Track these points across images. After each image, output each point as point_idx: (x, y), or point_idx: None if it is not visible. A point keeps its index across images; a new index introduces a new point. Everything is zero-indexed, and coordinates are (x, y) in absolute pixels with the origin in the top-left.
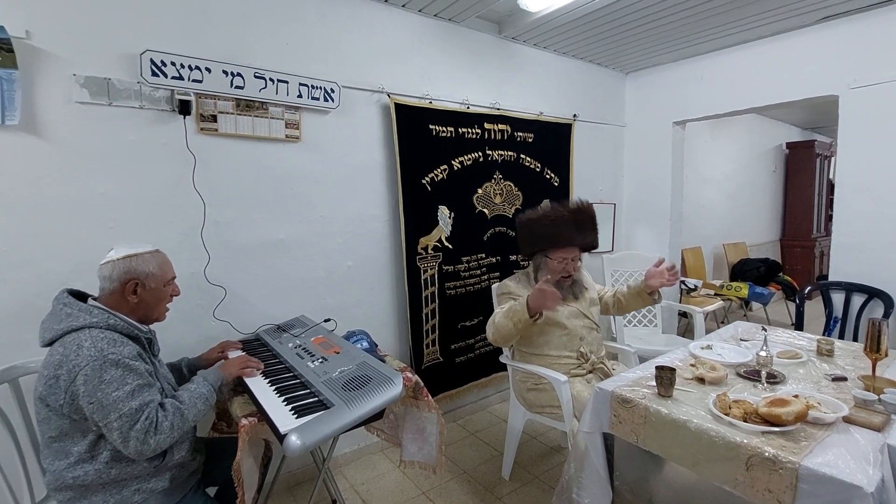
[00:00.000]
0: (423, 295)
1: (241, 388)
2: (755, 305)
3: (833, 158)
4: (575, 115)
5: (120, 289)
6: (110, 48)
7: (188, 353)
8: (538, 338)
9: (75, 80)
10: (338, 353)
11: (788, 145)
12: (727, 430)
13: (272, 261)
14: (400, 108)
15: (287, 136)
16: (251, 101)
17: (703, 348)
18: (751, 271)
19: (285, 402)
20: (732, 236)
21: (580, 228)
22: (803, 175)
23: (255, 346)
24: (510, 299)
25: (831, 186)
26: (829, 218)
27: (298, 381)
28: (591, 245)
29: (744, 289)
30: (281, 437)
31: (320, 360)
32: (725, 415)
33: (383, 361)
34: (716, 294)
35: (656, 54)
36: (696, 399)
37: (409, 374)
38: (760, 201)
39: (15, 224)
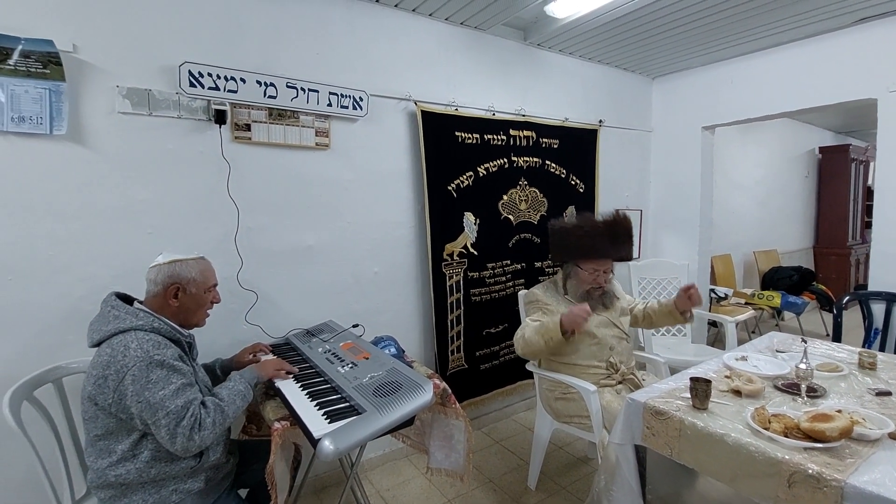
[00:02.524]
0: (449, 301)
1: (272, 391)
2: (787, 315)
3: (871, 163)
4: (601, 121)
5: (163, 292)
6: (151, 60)
7: (221, 355)
8: (567, 346)
9: (118, 92)
10: (367, 358)
11: (822, 150)
12: (767, 446)
13: (301, 266)
14: (426, 115)
15: (317, 144)
16: (283, 110)
17: (737, 359)
18: (783, 280)
19: (317, 407)
20: (763, 243)
21: (615, 241)
22: (838, 180)
23: (284, 351)
24: (537, 309)
25: (868, 192)
26: (867, 225)
27: (329, 385)
28: (624, 258)
29: (776, 298)
30: (314, 442)
31: (350, 366)
32: (765, 429)
33: (411, 367)
34: (746, 303)
35: (685, 58)
36: (733, 412)
37: (437, 381)
38: (792, 208)
39: (60, 229)
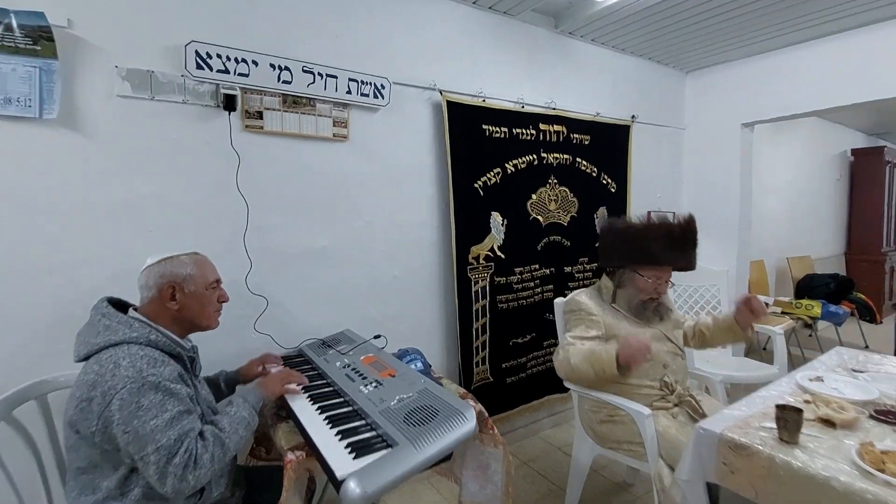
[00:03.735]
0: (474, 308)
1: (284, 411)
2: (821, 325)
3: None
4: (633, 117)
5: (158, 296)
6: (154, 39)
7: (226, 367)
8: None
9: (117, 73)
10: (393, 376)
11: (854, 152)
12: (884, 492)
13: (315, 269)
14: (452, 106)
15: (335, 136)
16: (299, 96)
17: (812, 380)
18: (819, 288)
19: (339, 436)
20: (795, 249)
21: (683, 247)
22: (872, 184)
23: (298, 364)
24: (580, 321)
25: None
26: None
27: (351, 408)
28: (688, 267)
29: (816, 307)
30: (337, 483)
31: (374, 384)
32: (879, 471)
33: (441, 385)
34: (783, 312)
35: (723, 50)
36: (831, 447)
37: (473, 402)
38: (824, 212)
39: (50, 225)
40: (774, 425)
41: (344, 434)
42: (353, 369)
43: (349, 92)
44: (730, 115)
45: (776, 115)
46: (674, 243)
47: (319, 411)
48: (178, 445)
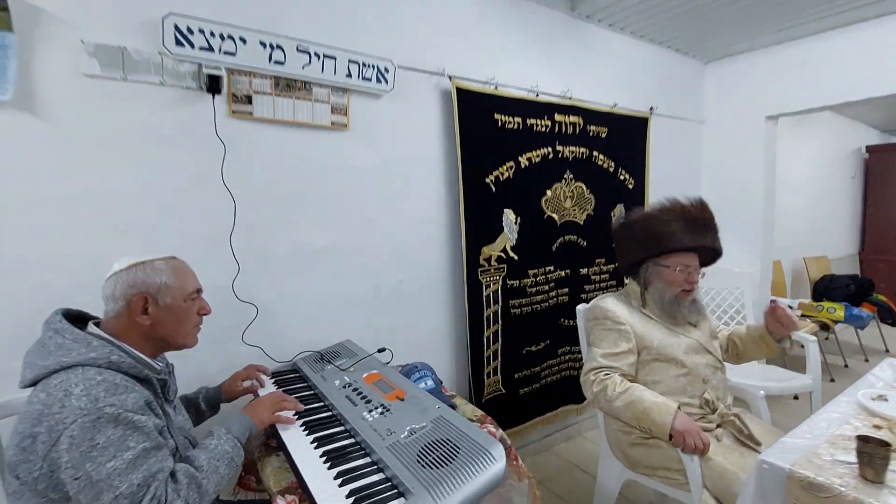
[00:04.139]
0: (485, 315)
1: (274, 440)
2: (838, 328)
3: None
4: (651, 109)
5: (127, 309)
6: (127, 10)
7: (209, 383)
8: (646, 376)
9: (83, 49)
10: (401, 399)
11: (869, 149)
12: None
13: (312, 273)
14: (462, 93)
15: (333, 124)
16: (293, 79)
17: (874, 399)
18: (839, 290)
19: (338, 479)
20: (812, 249)
21: (703, 227)
22: (887, 181)
23: (291, 380)
24: (609, 331)
25: None
26: None
27: (354, 441)
28: (714, 250)
29: (839, 310)
30: None
31: (380, 410)
32: None
33: (454, 407)
34: (804, 315)
35: (748, 38)
36: None
37: (493, 429)
38: (839, 210)
39: (5, 224)
40: (851, 459)
41: (345, 477)
42: (354, 390)
43: (349, 75)
44: (753, 108)
45: (804, 106)
46: (693, 223)
47: (315, 444)
48: (142, 492)
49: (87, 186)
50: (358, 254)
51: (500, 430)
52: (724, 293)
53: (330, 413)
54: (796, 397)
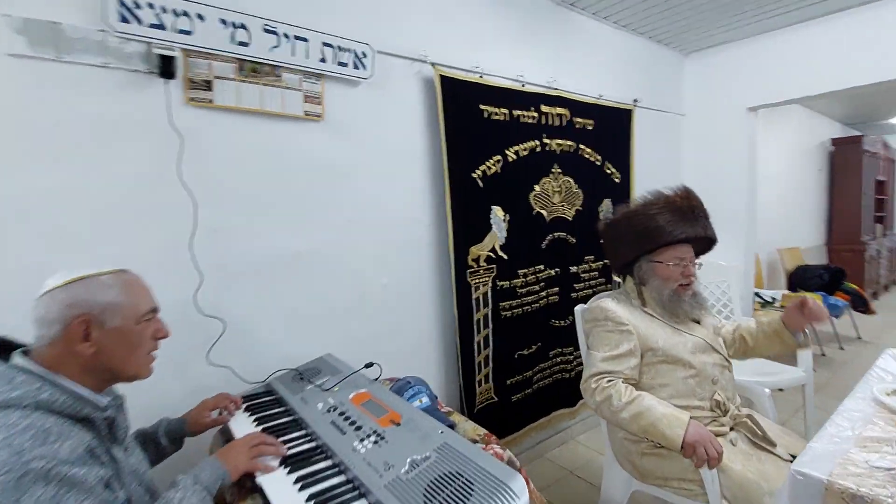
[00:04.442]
0: (475, 319)
1: (249, 479)
2: None
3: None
4: (635, 101)
5: (64, 334)
6: None
7: (172, 413)
8: (652, 380)
9: (8, 24)
10: (397, 423)
11: (834, 141)
12: None
13: (286, 282)
14: (446, 81)
15: (306, 114)
16: (259, 63)
17: (889, 394)
18: (813, 280)
19: None
20: (785, 240)
21: (692, 216)
22: (851, 173)
23: (265, 405)
24: (610, 332)
25: (879, 186)
26: (877, 220)
27: (345, 479)
28: (707, 239)
29: (817, 300)
30: None
31: (373, 439)
32: None
33: (453, 428)
34: (782, 306)
35: (728, 29)
36: None
37: (500, 450)
38: (808, 202)
39: None
40: (888, 465)
41: None
42: (341, 414)
43: (323, 60)
44: (734, 100)
45: (786, 97)
46: (680, 213)
47: (299, 485)
48: None
49: (15, 187)
50: (337, 258)
51: (508, 452)
52: (712, 287)
53: (314, 444)
54: (781, 389)
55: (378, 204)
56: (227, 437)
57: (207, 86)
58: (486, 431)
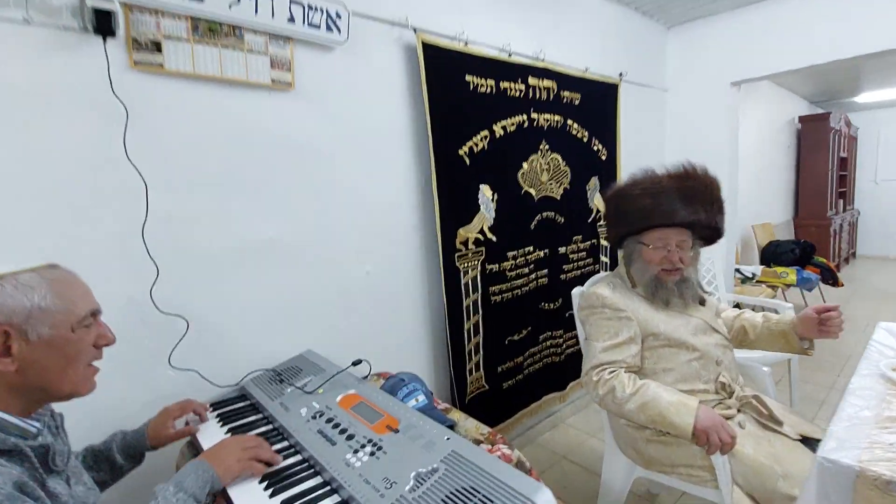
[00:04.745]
0: (464, 305)
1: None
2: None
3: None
4: (621, 75)
5: None
6: None
7: (130, 424)
8: (655, 365)
9: None
10: (394, 430)
11: (802, 119)
12: None
13: (257, 272)
14: (429, 50)
15: (274, 82)
16: (217, 21)
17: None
18: (785, 255)
19: None
20: (758, 217)
21: (689, 199)
22: (817, 150)
23: (239, 412)
24: (608, 320)
25: (841, 162)
26: (839, 195)
27: (339, 500)
28: (705, 224)
29: (791, 274)
30: None
31: (369, 450)
32: None
33: (453, 427)
34: (758, 281)
35: (712, 0)
36: None
37: (508, 451)
38: (778, 178)
39: None
40: None
41: None
42: (329, 421)
43: (291, 20)
44: (718, 74)
45: (770, 71)
46: (673, 194)
47: None
48: None
49: None
50: (314, 245)
51: (516, 452)
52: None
53: (299, 458)
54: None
55: (358, 184)
56: (194, 451)
57: (156, 47)
58: (489, 429)
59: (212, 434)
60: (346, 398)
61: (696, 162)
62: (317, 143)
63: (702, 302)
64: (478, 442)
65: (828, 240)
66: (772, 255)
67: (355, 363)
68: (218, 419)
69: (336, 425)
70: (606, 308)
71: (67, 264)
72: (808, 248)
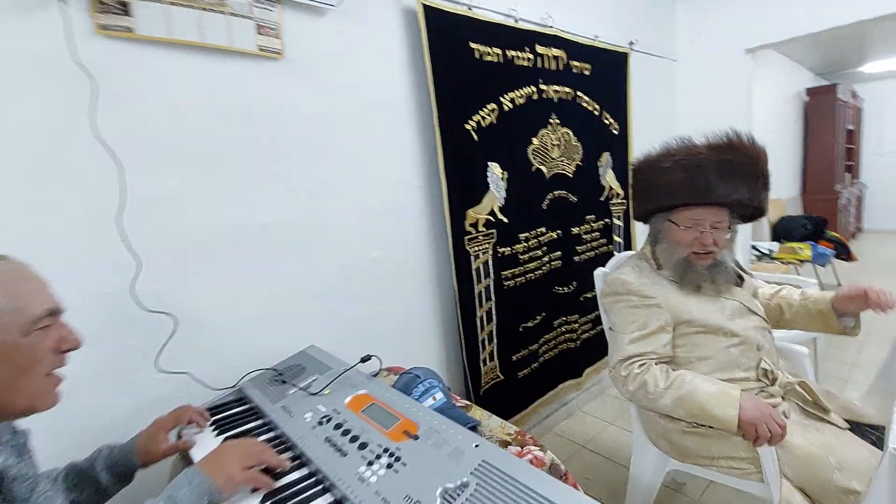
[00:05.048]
0: (476, 291)
1: None
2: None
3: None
4: (631, 44)
5: None
6: None
7: (117, 436)
8: (689, 353)
9: None
10: (414, 436)
11: (809, 91)
12: None
13: (253, 261)
14: (431, 13)
15: (262, 49)
16: None
17: None
18: (798, 230)
19: None
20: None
21: (729, 174)
22: (825, 123)
23: (237, 417)
24: (635, 308)
25: (848, 135)
26: (847, 168)
27: None
28: (747, 203)
29: (806, 250)
30: None
31: (386, 461)
32: None
33: (476, 428)
34: (773, 258)
35: None
36: None
37: (540, 453)
38: (787, 152)
39: None
40: None
41: None
42: (337, 427)
43: None
44: (731, 41)
45: (788, 35)
46: (711, 169)
47: None
48: None
49: None
50: (314, 229)
51: (549, 454)
52: None
53: (305, 471)
54: None
55: (359, 163)
56: (188, 463)
57: (123, 8)
58: (516, 429)
59: (206, 445)
60: (356, 399)
61: (742, 130)
62: (312, 118)
63: (738, 282)
64: (505, 444)
65: (836, 214)
66: (784, 230)
67: (364, 359)
68: (213, 427)
69: (346, 432)
70: (633, 295)
71: (27, 258)
72: (821, 222)
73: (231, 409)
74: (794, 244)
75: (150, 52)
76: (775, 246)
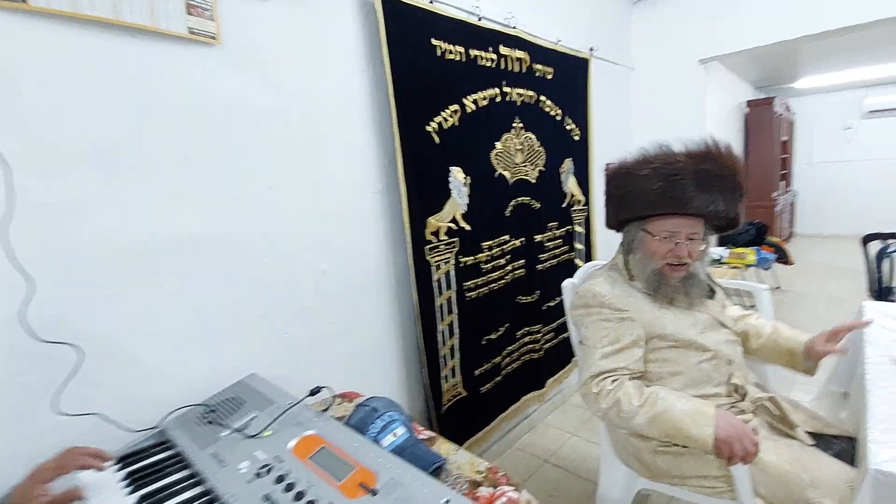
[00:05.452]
0: (437, 304)
1: None
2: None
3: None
4: (592, 50)
5: None
6: None
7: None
8: (660, 369)
9: None
10: (372, 491)
11: (749, 103)
12: None
13: (181, 277)
14: (390, 5)
15: (192, 32)
16: None
17: None
18: (742, 235)
19: None
20: None
21: (706, 185)
22: (764, 134)
23: (158, 466)
24: (606, 320)
25: (783, 146)
26: (782, 177)
27: None
28: (722, 215)
29: (751, 255)
30: None
31: None
32: None
33: (439, 467)
34: (722, 263)
35: None
36: None
37: (514, 494)
38: None
39: None
40: None
41: None
42: (279, 480)
43: None
44: (685, 51)
45: (740, 47)
46: (689, 179)
47: None
48: None
49: None
50: (256, 239)
51: (524, 493)
52: None
53: None
54: None
55: (310, 166)
56: None
57: None
58: (487, 465)
59: (113, 499)
60: (304, 442)
61: (720, 139)
62: (254, 114)
63: (710, 295)
64: (476, 484)
65: (773, 220)
66: (730, 236)
67: (313, 392)
68: (125, 481)
69: (290, 487)
70: (605, 308)
71: None
72: (762, 228)
73: (150, 456)
74: (741, 249)
75: (50, 29)
76: (725, 252)
